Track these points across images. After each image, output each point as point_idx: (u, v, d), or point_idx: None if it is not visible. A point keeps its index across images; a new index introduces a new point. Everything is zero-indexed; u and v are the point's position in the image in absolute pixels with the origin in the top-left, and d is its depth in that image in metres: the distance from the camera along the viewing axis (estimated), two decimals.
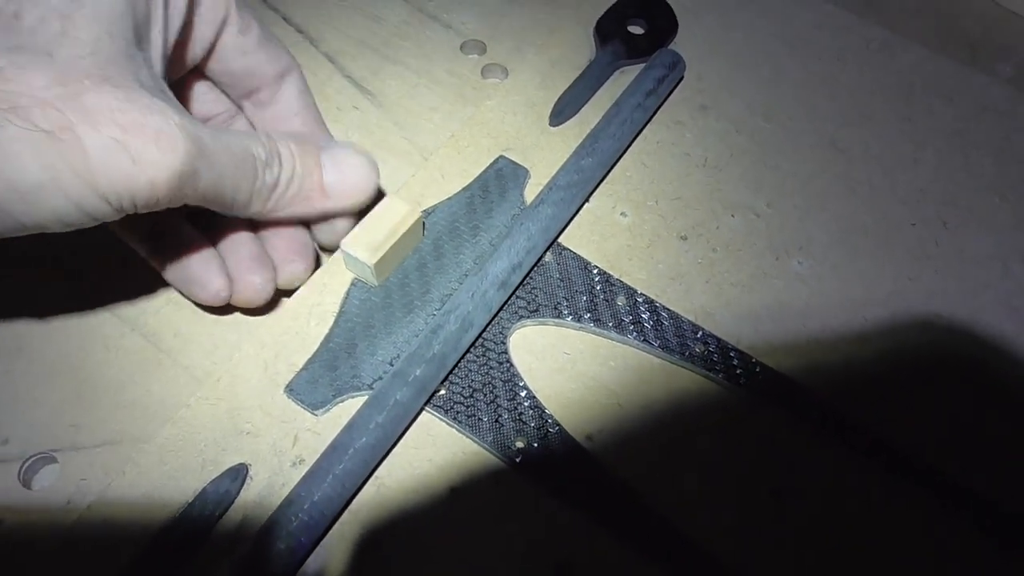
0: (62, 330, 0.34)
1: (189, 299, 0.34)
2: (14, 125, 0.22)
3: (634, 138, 0.41)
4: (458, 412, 0.32)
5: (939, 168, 0.41)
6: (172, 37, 0.29)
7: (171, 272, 0.32)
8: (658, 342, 0.34)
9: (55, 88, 0.23)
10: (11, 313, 0.34)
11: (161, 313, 0.35)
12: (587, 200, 0.38)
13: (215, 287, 0.32)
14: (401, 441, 0.31)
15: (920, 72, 0.46)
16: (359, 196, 0.33)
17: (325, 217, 0.34)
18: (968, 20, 0.49)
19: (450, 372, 0.32)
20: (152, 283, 0.35)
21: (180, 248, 0.32)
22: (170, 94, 0.27)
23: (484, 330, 0.34)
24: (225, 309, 0.34)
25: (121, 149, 0.24)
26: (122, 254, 0.34)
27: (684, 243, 0.37)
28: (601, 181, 0.39)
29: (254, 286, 0.32)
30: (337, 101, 0.43)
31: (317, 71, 0.44)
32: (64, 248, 0.36)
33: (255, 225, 0.34)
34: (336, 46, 0.45)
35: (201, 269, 0.32)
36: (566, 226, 0.37)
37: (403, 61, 0.44)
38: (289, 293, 0.35)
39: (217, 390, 0.32)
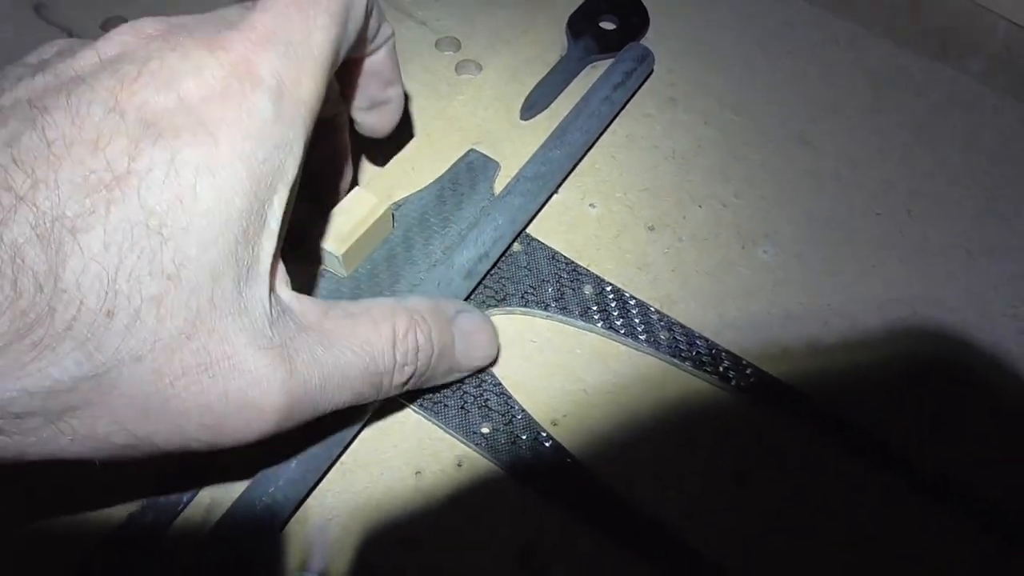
0: None
1: None
2: (92, 447, 0.21)
3: (603, 130, 0.41)
4: (424, 399, 0.32)
5: (905, 160, 0.42)
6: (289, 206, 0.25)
7: None
8: (624, 330, 0.35)
9: (138, 402, 0.21)
10: None
11: None
12: (556, 191, 0.39)
13: None
14: (367, 427, 0.32)
15: (889, 67, 0.46)
16: (480, 367, 0.32)
17: None
18: (939, 15, 0.50)
19: None
20: None
21: None
22: (278, 313, 0.24)
23: None
24: None
25: (205, 439, 0.22)
26: None
27: (651, 233, 0.38)
28: (569, 173, 0.39)
29: None
30: None
31: None
32: None
33: None
34: None
35: None
36: (534, 216, 0.38)
37: None
38: None
39: None
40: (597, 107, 0.39)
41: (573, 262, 0.36)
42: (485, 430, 0.32)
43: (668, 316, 0.35)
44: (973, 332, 0.36)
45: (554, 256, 0.37)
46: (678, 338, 0.34)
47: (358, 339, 0.25)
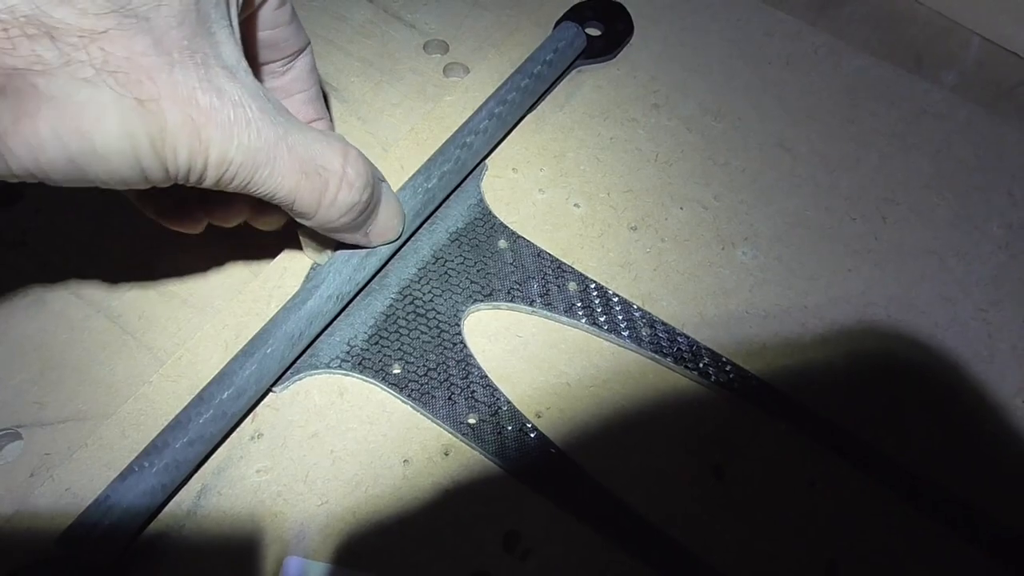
0: (28, 311, 0.35)
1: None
2: (111, 90, 0.22)
3: (532, 104, 0.43)
4: (412, 390, 0.33)
5: (880, 167, 0.43)
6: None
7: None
8: (607, 326, 0.35)
9: (151, 56, 0.23)
10: None
11: (126, 296, 0.36)
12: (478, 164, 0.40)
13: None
14: (356, 416, 0.33)
15: (864, 77, 0.48)
16: (389, 239, 0.34)
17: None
18: (913, 30, 0.51)
19: (328, 327, 0.34)
20: (118, 267, 0.36)
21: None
22: (249, 73, 0.26)
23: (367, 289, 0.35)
24: (189, 290, 0.36)
25: (195, 129, 0.24)
26: (88, 238, 0.35)
27: (634, 233, 0.39)
28: (493, 149, 0.41)
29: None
30: None
31: None
32: (32, 231, 0.37)
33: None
34: None
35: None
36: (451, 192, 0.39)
37: (367, 59, 0.46)
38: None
39: (178, 368, 0.33)
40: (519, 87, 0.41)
41: (558, 259, 0.37)
42: (471, 420, 0.32)
43: (650, 313, 0.36)
44: (944, 334, 0.37)
45: (539, 253, 0.37)
46: (659, 334, 0.35)
47: (311, 134, 0.27)
